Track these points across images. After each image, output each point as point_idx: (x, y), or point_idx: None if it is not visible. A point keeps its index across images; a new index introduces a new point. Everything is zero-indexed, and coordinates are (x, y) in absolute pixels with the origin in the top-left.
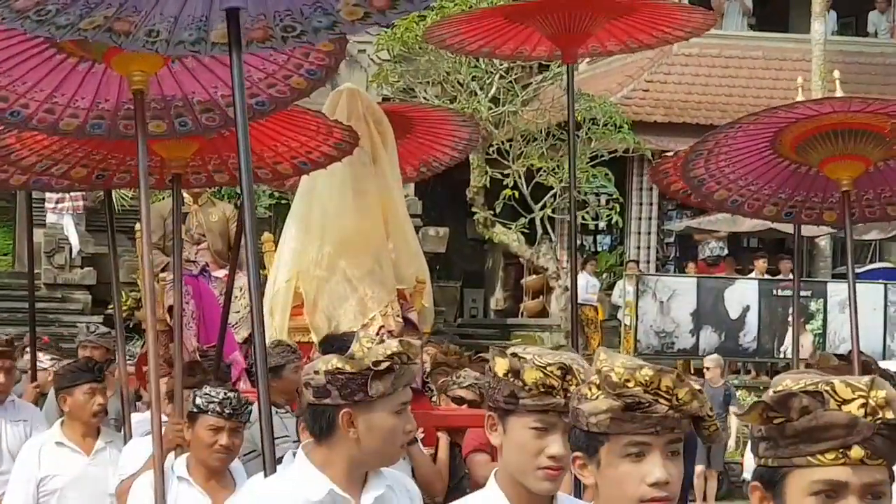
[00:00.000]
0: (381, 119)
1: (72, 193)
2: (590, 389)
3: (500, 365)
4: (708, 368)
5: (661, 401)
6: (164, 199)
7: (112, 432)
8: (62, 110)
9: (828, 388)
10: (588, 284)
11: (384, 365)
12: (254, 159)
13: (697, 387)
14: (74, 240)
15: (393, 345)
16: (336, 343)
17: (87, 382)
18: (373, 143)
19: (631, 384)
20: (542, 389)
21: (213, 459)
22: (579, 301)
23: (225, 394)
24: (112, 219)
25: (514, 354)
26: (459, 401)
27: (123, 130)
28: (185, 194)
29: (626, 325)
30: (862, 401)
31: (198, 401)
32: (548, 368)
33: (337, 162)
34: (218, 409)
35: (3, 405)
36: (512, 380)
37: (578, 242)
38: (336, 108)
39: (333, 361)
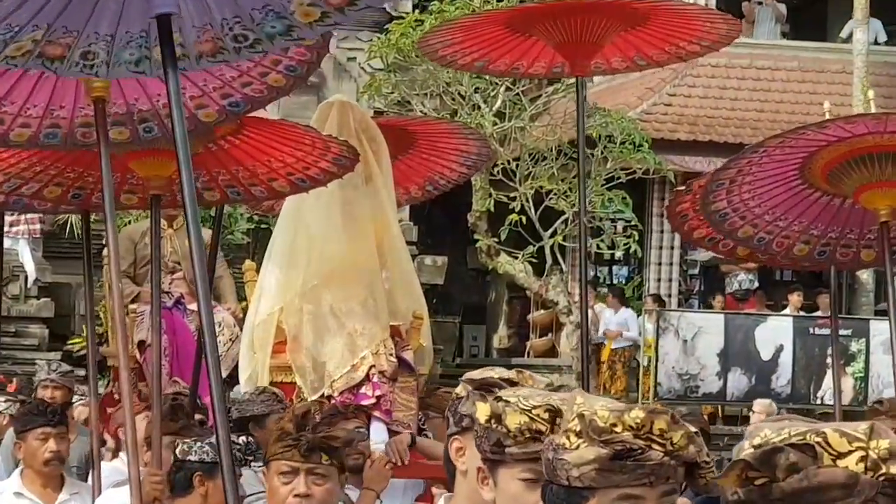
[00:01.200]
0: (375, 135)
1: (28, 216)
2: (568, 438)
3: (482, 410)
4: (754, 412)
5: (655, 446)
6: (133, 220)
7: (78, 483)
8: (12, 120)
9: (819, 439)
10: (626, 319)
11: None
12: (246, 176)
13: (693, 429)
14: (30, 267)
15: None
16: None
17: (39, 426)
18: (366, 161)
19: (619, 429)
20: (529, 435)
21: None
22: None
23: (245, 439)
24: (88, 243)
25: (497, 398)
26: None
27: (82, 139)
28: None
29: (644, 366)
30: (861, 453)
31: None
32: (533, 412)
33: (337, 179)
34: (240, 456)
35: None
36: (495, 426)
37: (591, 273)
38: (326, 122)
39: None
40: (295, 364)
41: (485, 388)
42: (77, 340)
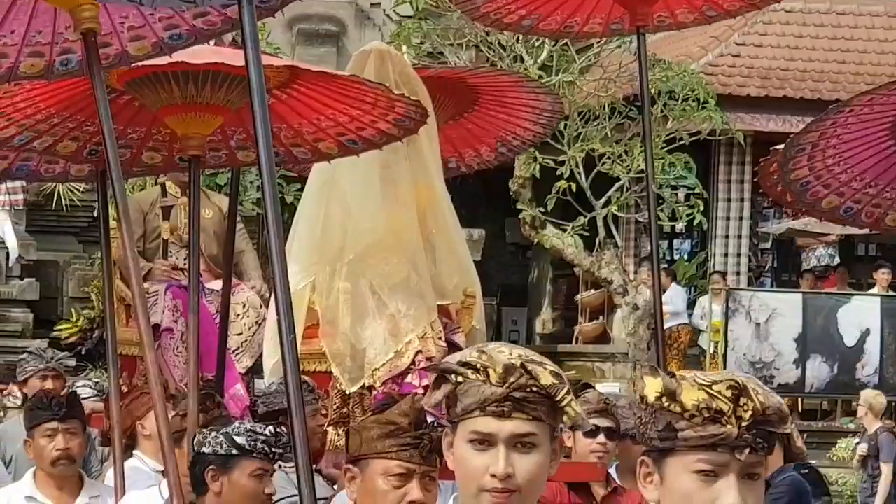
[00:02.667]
0: (417, 88)
1: (8, 184)
2: None
3: (652, 387)
4: (859, 406)
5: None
6: (142, 187)
7: (98, 485)
8: (17, 51)
9: None
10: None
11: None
12: (290, 135)
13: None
14: (12, 243)
15: None
16: None
17: (45, 422)
18: None
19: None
20: (708, 416)
21: None
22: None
23: (272, 430)
24: (106, 212)
25: (670, 373)
26: (594, 433)
27: (103, 61)
28: (170, 185)
29: (711, 353)
30: None
31: (239, 440)
32: (713, 388)
33: (396, 141)
34: (266, 448)
35: None
36: (668, 405)
37: (650, 247)
38: (362, 73)
39: None
40: (330, 351)
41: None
42: (65, 326)
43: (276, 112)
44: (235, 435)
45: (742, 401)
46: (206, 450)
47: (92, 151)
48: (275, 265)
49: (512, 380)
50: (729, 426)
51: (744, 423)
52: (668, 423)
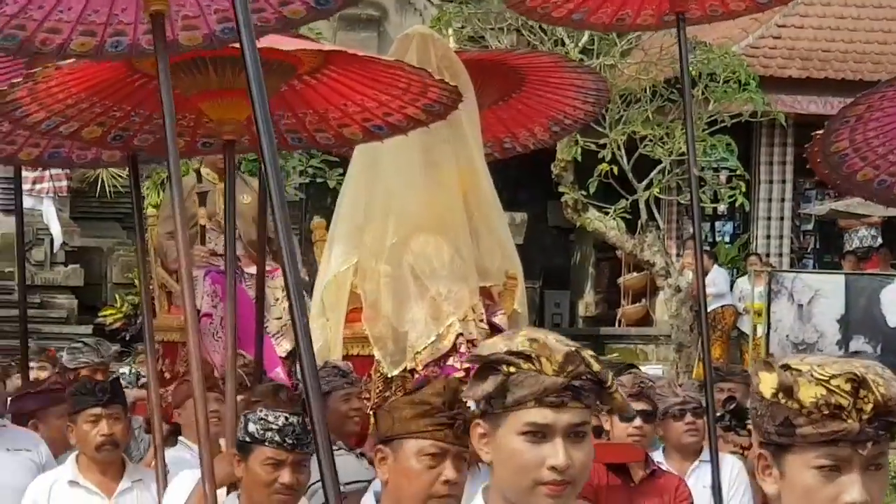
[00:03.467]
0: (459, 71)
1: (52, 171)
2: None
3: (767, 382)
4: None
5: None
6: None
7: (141, 469)
8: (71, 28)
9: None
10: (713, 278)
11: None
12: (314, 121)
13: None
14: (56, 230)
15: None
16: None
17: (89, 407)
18: None
19: None
20: (827, 412)
21: (274, 501)
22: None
23: (287, 418)
24: (139, 197)
25: (785, 366)
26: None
27: (147, 46)
28: (207, 170)
29: (753, 335)
30: None
31: (251, 427)
32: (832, 382)
33: (422, 126)
34: (278, 437)
35: None
36: (784, 401)
37: (692, 229)
38: (405, 57)
39: None
40: (372, 334)
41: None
42: (110, 311)
43: (304, 97)
44: (250, 422)
45: (862, 393)
46: (238, 434)
47: (116, 137)
48: (283, 251)
49: (571, 368)
50: (850, 421)
51: (865, 417)
52: (785, 418)
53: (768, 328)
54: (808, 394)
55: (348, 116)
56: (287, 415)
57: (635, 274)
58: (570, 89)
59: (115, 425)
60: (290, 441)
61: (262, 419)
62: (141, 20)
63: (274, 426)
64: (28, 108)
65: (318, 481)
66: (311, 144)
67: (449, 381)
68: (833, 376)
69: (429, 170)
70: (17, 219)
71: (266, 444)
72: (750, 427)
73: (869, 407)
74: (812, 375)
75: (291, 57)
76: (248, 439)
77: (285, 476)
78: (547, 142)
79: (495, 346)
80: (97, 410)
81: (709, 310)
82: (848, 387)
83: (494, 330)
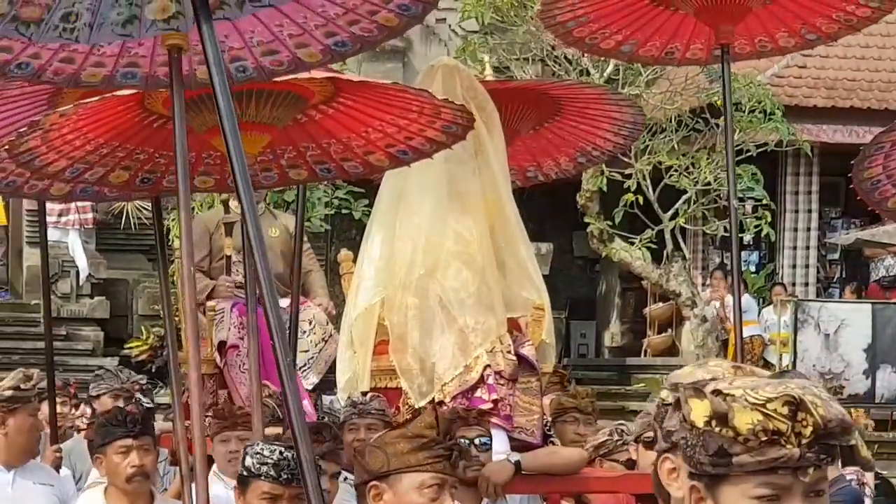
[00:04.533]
0: (485, 102)
1: (78, 204)
2: None
3: (699, 409)
4: None
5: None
6: (207, 206)
7: (169, 501)
8: (83, 58)
9: None
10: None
11: None
12: (339, 150)
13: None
14: (82, 262)
15: None
16: None
17: (119, 438)
18: (475, 133)
19: None
20: (765, 438)
21: None
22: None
23: (281, 452)
24: (162, 235)
25: (717, 391)
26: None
27: (164, 79)
28: (235, 202)
29: (779, 364)
30: None
31: (247, 461)
32: (768, 406)
33: (445, 148)
34: (273, 472)
35: (22, 466)
36: (718, 429)
37: (717, 259)
38: (431, 87)
39: None
40: (400, 366)
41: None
42: (136, 344)
43: (324, 127)
44: (247, 455)
45: (800, 416)
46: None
47: (144, 180)
48: (263, 283)
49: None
50: (789, 446)
51: (804, 441)
52: (720, 447)
53: (794, 357)
54: (744, 420)
55: (371, 143)
56: (282, 449)
57: (661, 304)
58: (606, 121)
59: (145, 456)
60: (286, 475)
61: (258, 453)
62: (158, 53)
63: (269, 460)
64: (46, 157)
65: None
66: (339, 174)
67: (440, 413)
68: (769, 399)
69: (455, 201)
70: (42, 251)
71: (262, 478)
72: None
73: (808, 430)
74: (746, 400)
75: (301, 88)
76: (245, 473)
77: None
78: (570, 172)
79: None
80: (128, 442)
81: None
82: (785, 410)
83: (522, 361)
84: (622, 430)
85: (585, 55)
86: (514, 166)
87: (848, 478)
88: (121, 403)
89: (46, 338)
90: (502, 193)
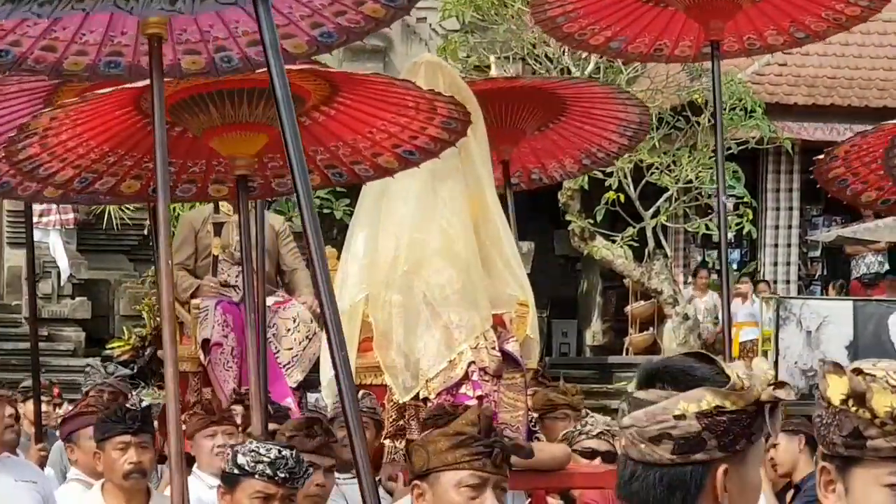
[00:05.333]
0: (468, 99)
1: (60, 205)
2: None
3: (836, 387)
4: None
5: None
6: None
7: (165, 498)
8: (65, 47)
9: None
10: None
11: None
12: (348, 152)
13: None
14: (63, 262)
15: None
16: None
17: (118, 434)
18: None
19: None
20: None
21: None
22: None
23: (279, 451)
24: (157, 234)
25: (857, 370)
26: (590, 455)
27: (146, 68)
28: (223, 203)
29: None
30: None
31: (240, 459)
32: None
33: (450, 147)
34: (269, 471)
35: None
36: (854, 409)
37: (699, 257)
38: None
39: (707, 398)
40: (384, 363)
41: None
42: (118, 344)
43: (329, 129)
44: (240, 454)
45: None
46: (224, 466)
47: (155, 189)
48: (319, 281)
49: None
50: None
51: None
52: (854, 428)
53: (777, 355)
54: (883, 402)
55: (378, 144)
56: (279, 448)
57: (642, 302)
58: (612, 122)
59: (143, 454)
60: (282, 475)
61: (253, 451)
62: (141, 42)
63: (265, 458)
64: (50, 166)
65: None
66: (352, 178)
67: (483, 410)
68: None
69: (439, 198)
70: (28, 252)
71: (256, 476)
72: None
73: None
74: (887, 382)
75: (297, 88)
76: (236, 471)
77: None
78: (576, 174)
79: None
80: (126, 438)
81: (745, 340)
82: None
83: (506, 357)
84: (586, 423)
85: (566, 54)
86: (518, 169)
87: None
88: (105, 398)
89: (32, 338)
90: (486, 190)
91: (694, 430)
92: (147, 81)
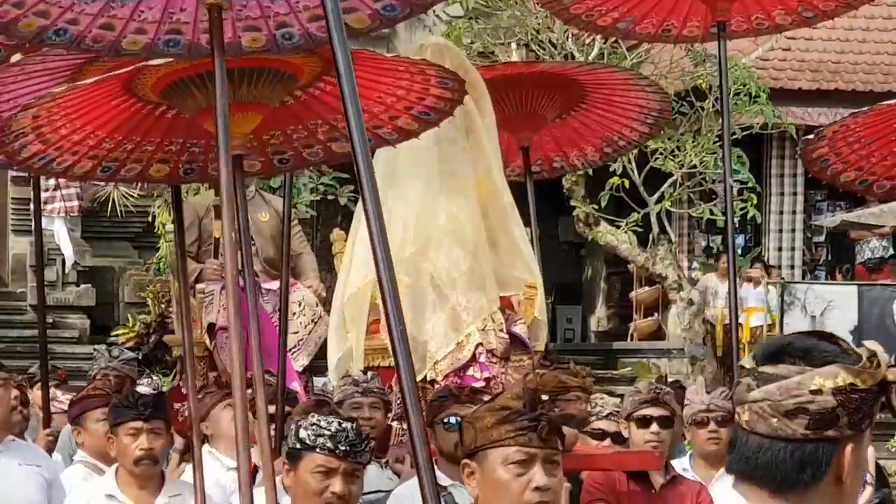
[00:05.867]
0: (476, 81)
1: (64, 191)
2: None
3: None
4: None
5: None
6: (196, 192)
7: (179, 483)
8: (123, 25)
9: None
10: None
11: None
12: (366, 118)
13: None
14: (68, 250)
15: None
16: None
17: (130, 420)
18: (466, 112)
19: None
20: None
21: None
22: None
23: (339, 424)
24: (180, 215)
25: None
26: (600, 436)
27: (207, 46)
28: None
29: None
30: None
31: (302, 433)
32: None
33: (458, 105)
34: (330, 444)
35: (7, 446)
36: None
37: (703, 243)
38: None
39: (842, 374)
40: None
41: None
42: (122, 331)
43: (326, 104)
44: (301, 428)
45: None
46: (288, 441)
47: (188, 171)
48: (377, 249)
49: None
50: None
51: None
52: None
53: None
54: None
55: (391, 108)
56: (340, 420)
57: (647, 288)
58: (633, 109)
59: (155, 440)
60: (343, 448)
61: (314, 424)
62: (200, 19)
63: (327, 431)
64: (64, 160)
65: (371, 492)
66: (378, 142)
67: (527, 383)
68: None
69: (445, 179)
70: (37, 238)
71: (317, 450)
72: None
73: None
74: None
75: (288, 65)
76: (298, 446)
77: (336, 485)
78: (597, 162)
79: None
80: (138, 424)
81: (756, 325)
82: None
83: (514, 339)
84: (596, 404)
85: (570, 39)
86: (540, 156)
87: None
88: (112, 381)
89: (40, 325)
90: (494, 172)
91: (829, 406)
92: (133, 66)
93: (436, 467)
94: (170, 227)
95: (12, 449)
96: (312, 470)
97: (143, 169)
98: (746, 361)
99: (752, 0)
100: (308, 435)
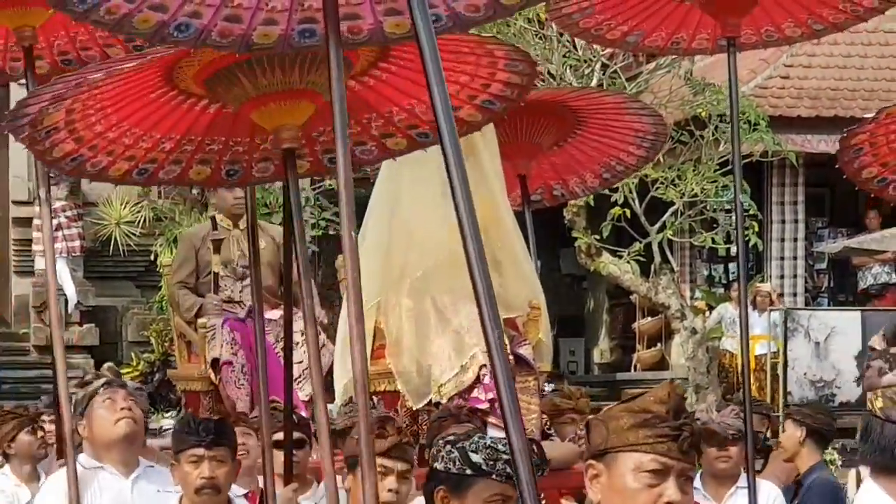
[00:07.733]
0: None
1: (65, 231)
2: None
3: None
4: None
5: None
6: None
7: None
8: (251, 15)
9: None
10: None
11: None
12: (423, 109)
13: None
14: (70, 290)
15: None
16: None
17: (190, 447)
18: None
19: None
20: None
21: None
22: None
23: (505, 445)
24: (254, 217)
25: None
26: None
27: (346, 35)
28: (221, 217)
29: (773, 373)
30: None
31: (475, 458)
32: None
33: (527, 92)
34: (509, 470)
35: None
36: None
37: (706, 272)
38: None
39: None
40: (396, 369)
41: None
42: (126, 370)
43: (397, 88)
44: (472, 452)
45: None
46: (438, 466)
47: (230, 172)
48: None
49: None
50: None
51: None
52: None
53: (785, 366)
54: None
55: (453, 97)
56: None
57: (650, 319)
58: (629, 134)
59: (217, 468)
60: (509, 472)
61: (489, 447)
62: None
63: (505, 455)
64: (98, 161)
65: None
66: (415, 145)
67: (674, 387)
68: None
69: (448, 203)
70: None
71: (494, 476)
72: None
73: None
74: None
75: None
76: (468, 471)
77: None
78: (597, 189)
79: None
80: (199, 451)
81: (760, 353)
82: None
83: (519, 360)
84: None
85: (568, 70)
86: (540, 185)
87: None
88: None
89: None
90: (497, 194)
91: None
92: (173, 50)
93: None
94: (167, 260)
95: (150, 475)
96: (487, 499)
97: (183, 171)
98: (876, 342)
99: (761, 12)
100: (483, 459)
